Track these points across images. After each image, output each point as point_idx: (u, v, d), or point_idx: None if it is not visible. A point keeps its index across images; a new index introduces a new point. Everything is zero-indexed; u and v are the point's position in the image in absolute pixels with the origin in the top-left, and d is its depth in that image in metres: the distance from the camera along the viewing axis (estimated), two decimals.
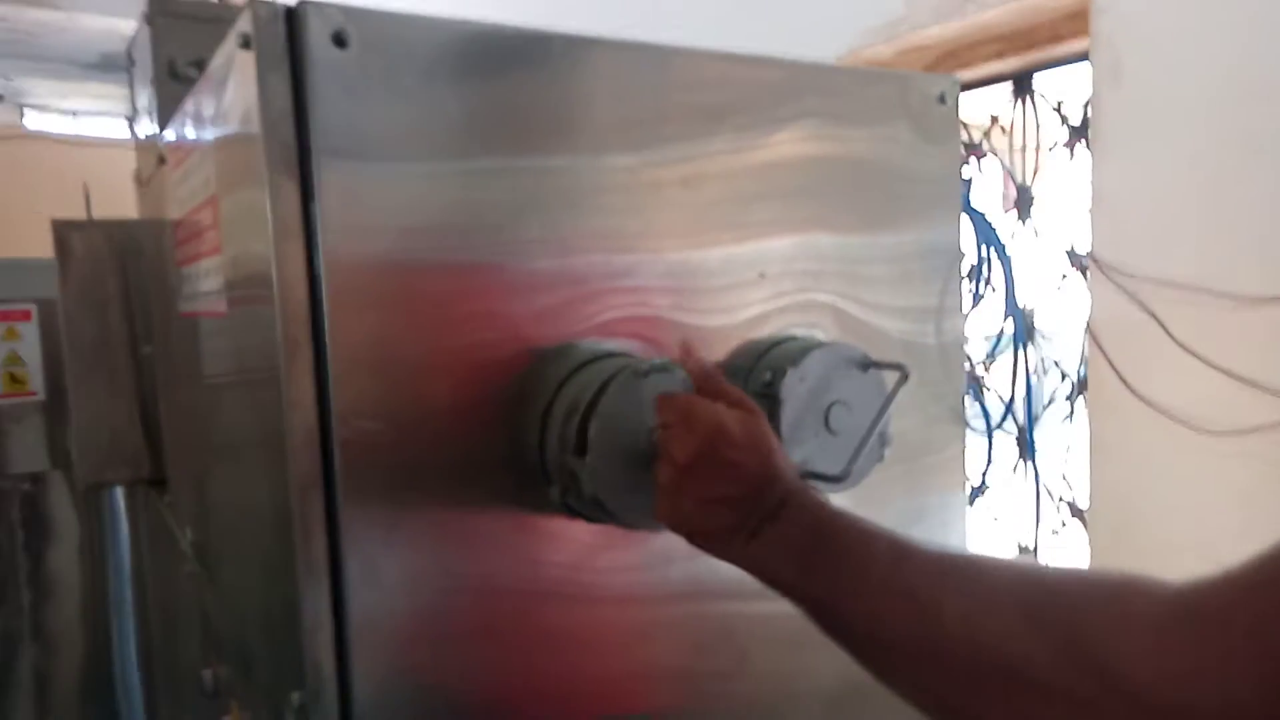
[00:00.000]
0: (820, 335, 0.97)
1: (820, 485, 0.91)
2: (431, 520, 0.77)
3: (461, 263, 0.77)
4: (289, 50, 0.70)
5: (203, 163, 0.91)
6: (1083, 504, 2.09)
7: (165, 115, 1.18)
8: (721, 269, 0.91)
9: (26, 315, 2.29)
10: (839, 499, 0.98)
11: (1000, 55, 2.13)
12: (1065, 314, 2.18)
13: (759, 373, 0.91)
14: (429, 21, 0.75)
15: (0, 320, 2.24)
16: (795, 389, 0.89)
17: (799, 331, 0.96)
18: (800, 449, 0.90)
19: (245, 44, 0.71)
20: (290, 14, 0.70)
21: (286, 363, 0.72)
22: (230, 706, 1.05)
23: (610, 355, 0.84)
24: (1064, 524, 2.16)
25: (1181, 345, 1.69)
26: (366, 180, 0.73)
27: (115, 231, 1.69)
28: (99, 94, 9.29)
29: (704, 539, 0.72)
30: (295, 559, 0.74)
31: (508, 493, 0.80)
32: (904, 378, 0.91)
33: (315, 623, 0.74)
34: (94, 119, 9.46)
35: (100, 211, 1.90)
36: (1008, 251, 1.30)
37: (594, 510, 0.79)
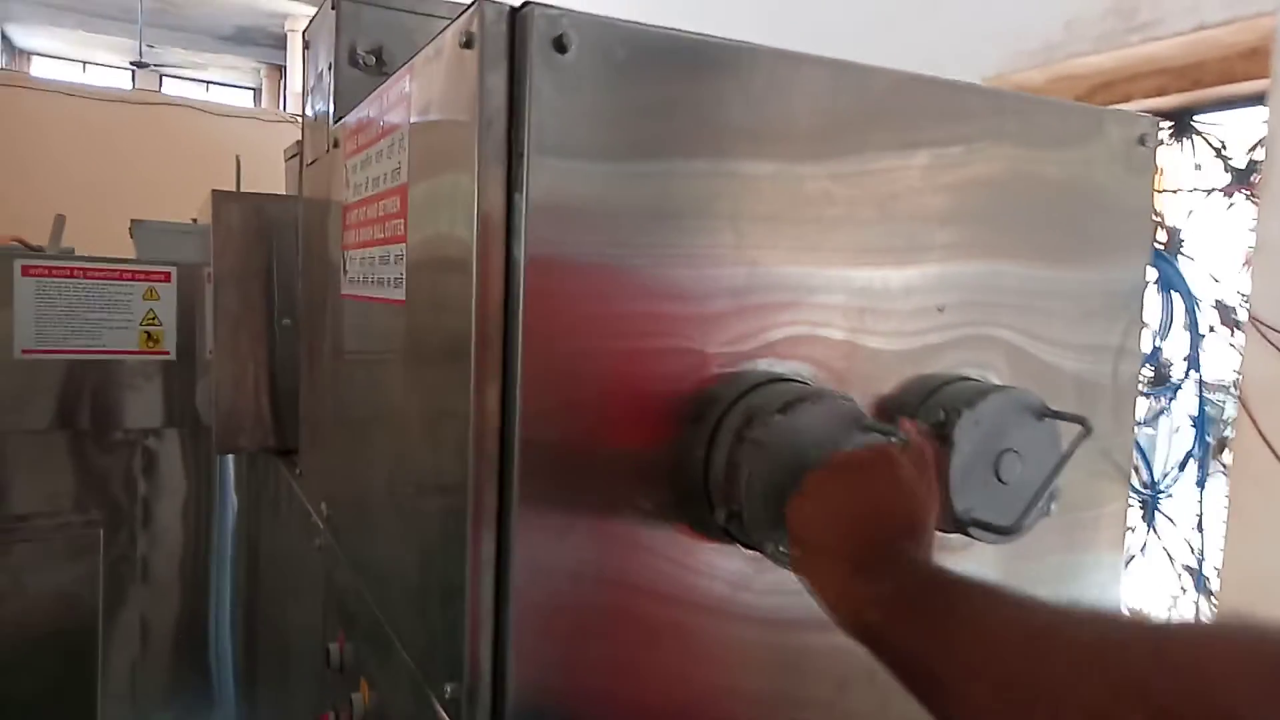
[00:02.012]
0: (993, 374, 0.94)
1: (986, 536, 0.87)
2: (598, 524, 0.77)
3: (652, 266, 0.76)
4: (509, 51, 0.71)
5: (392, 152, 0.93)
6: (1209, 573, 1.98)
7: (343, 100, 1.21)
8: (903, 294, 0.88)
9: (166, 277, 2.38)
10: (991, 551, 0.95)
11: (1161, 91, 2.03)
12: (1204, 369, 2.07)
13: (931, 410, 0.88)
14: (642, 29, 0.75)
15: (143, 280, 2.34)
16: (969, 432, 0.86)
17: (972, 370, 0.93)
18: (967, 496, 0.86)
19: (467, 43, 0.72)
20: (514, 16, 0.71)
21: (479, 345, 0.72)
22: (359, 683, 1.06)
23: (783, 380, 0.82)
24: (1183, 591, 2.05)
25: None
26: (571, 179, 0.73)
27: (267, 206, 1.76)
28: (231, 65, 9.75)
29: (805, 546, 0.70)
30: (464, 552, 0.74)
31: (673, 508, 0.79)
32: (1086, 431, 0.86)
33: (480, 618, 0.74)
34: (224, 89, 9.92)
35: (224, 179, 1.96)
36: (1197, 300, 1.22)
37: (753, 540, 0.78)
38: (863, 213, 0.85)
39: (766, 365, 0.82)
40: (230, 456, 2.46)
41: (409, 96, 0.88)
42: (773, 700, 0.87)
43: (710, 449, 0.79)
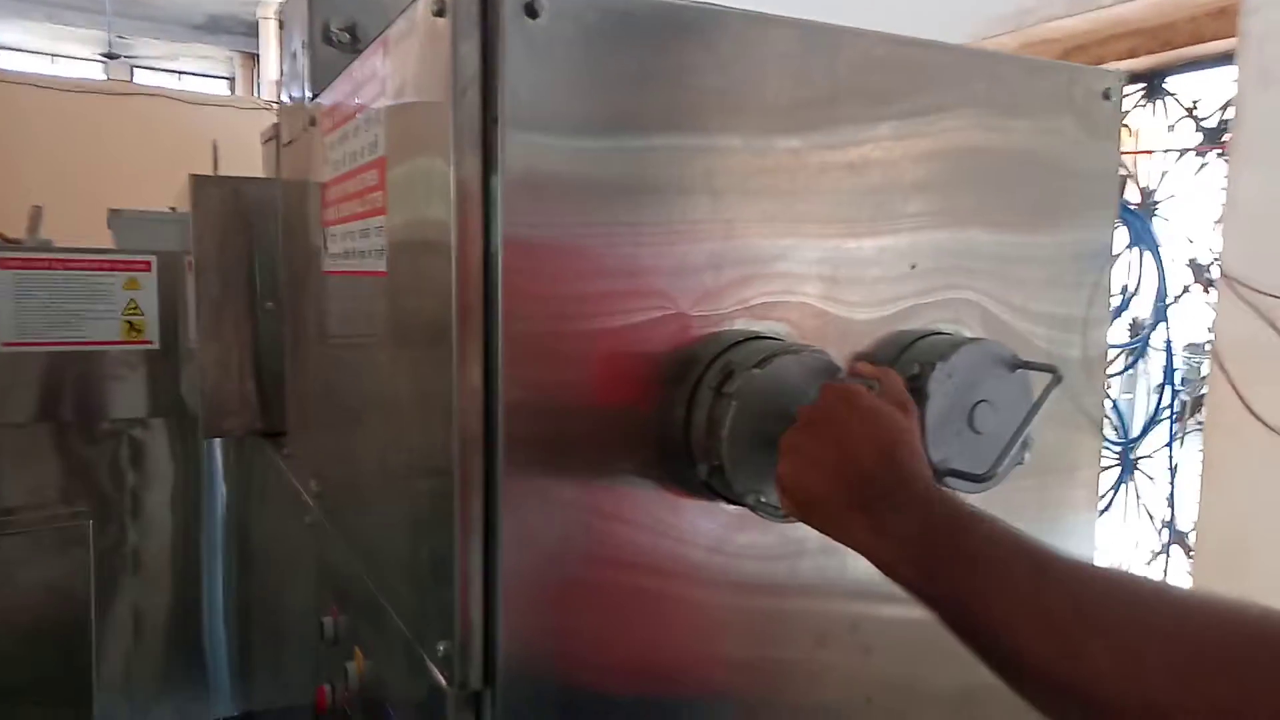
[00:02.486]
0: (966, 332, 0.96)
1: (961, 485, 0.90)
2: (582, 488, 0.78)
3: (630, 240, 0.78)
4: (482, 18, 0.72)
5: (369, 126, 0.93)
6: (1186, 528, 2.02)
7: (319, 78, 1.21)
8: (875, 259, 0.90)
9: (147, 266, 2.37)
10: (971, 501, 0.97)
11: (1133, 53, 2.05)
12: (1179, 327, 2.10)
13: (905, 365, 0.90)
14: None
15: (123, 270, 2.32)
16: (942, 384, 0.88)
17: (946, 327, 0.94)
18: (943, 447, 0.88)
19: (439, 11, 0.73)
20: None
21: (459, 326, 0.73)
22: (354, 653, 1.08)
23: (760, 338, 0.84)
24: (1164, 547, 2.09)
25: None
26: (547, 152, 0.73)
27: (245, 188, 1.75)
28: (203, 54, 9.62)
29: (810, 508, 0.72)
30: (453, 515, 0.76)
31: (655, 468, 0.81)
32: (1056, 380, 0.88)
33: (469, 577, 0.76)
34: (198, 79, 9.79)
35: (201, 168, 1.95)
36: (1163, 256, 1.24)
37: (734, 493, 0.79)
38: (835, 180, 0.86)
39: (744, 326, 0.84)
40: (218, 443, 2.46)
41: (383, 69, 0.88)
42: (754, 659, 0.89)
43: (691, 406, 0.81)
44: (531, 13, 0.71)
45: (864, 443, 0.70)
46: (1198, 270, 1.99)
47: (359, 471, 1.09)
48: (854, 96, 0.86)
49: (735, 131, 0.81)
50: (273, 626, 1.92)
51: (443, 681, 0.79)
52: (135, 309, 2.40)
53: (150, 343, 2.39)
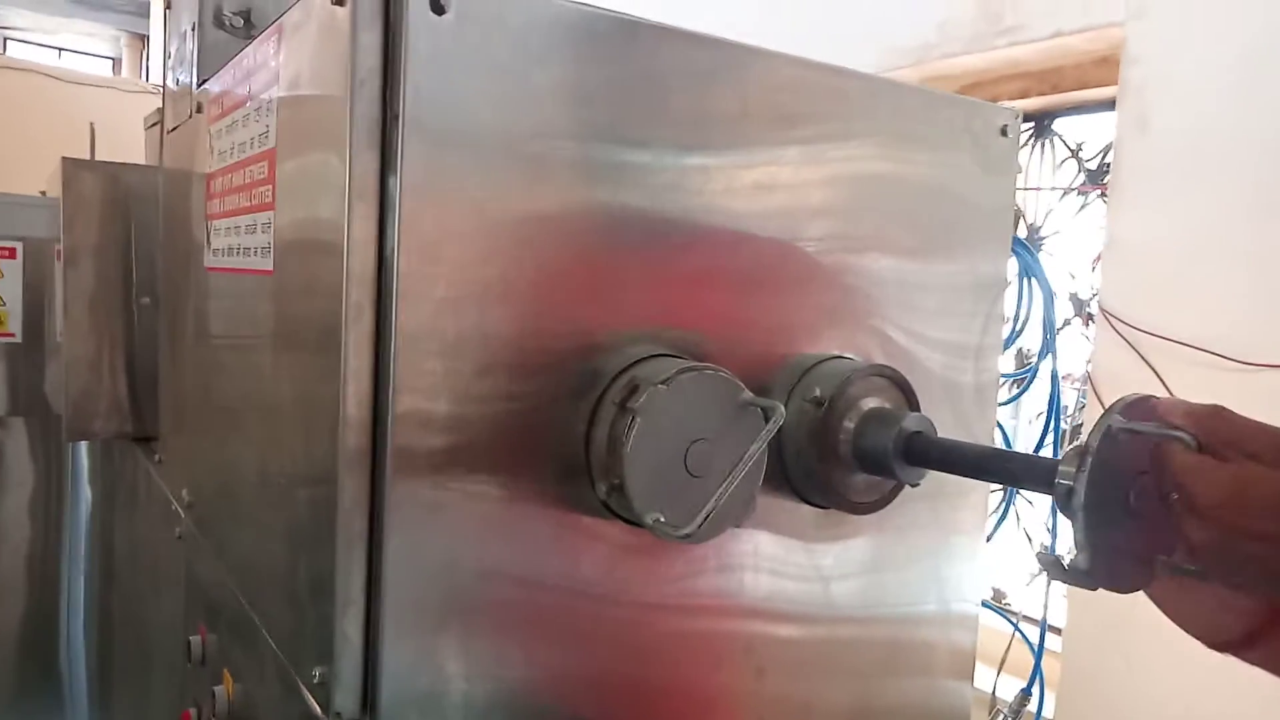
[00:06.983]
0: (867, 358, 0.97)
1: (861, 507, 0.91)
2: (474, 504, 0.75)
3: (533, 249, 0.75)
4: (384, 9, 0.68)
5: (260, 116, 0.88)
6: (1061, 551, 2.12)
7: (207, 63, 1.14)
8: (777, 279, 0.90)
9: (11, 253, 2.21)
10: (866, 529, 0.98)
11: (1024, 93, 2.16)
12: (1064, 358, 2.21)
13: (805, 388, 0.90)
14: None
15: None
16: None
17: (848, 352, 0.95)
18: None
19: (338, 0, 0.69)
20: None
21: (348, 332, 0.69)
22: (222, 675, 1.01)
23: (665, 355, 0.82)
24: (1040, 572, 2.19)
25: None
26: (447, 154, 0.70)
27: (124, 175, 1.64)
28: (87, 32, 9.06)
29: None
30: (335, 532, 0.71)
31: (552, 485, 0.79)
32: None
33: (348, 598, 0.72)
34: (80, 58, 9.22)
35: (77, 151, 1.84)
36: (1052, 289, 1.29)
37: (633, 513, 0.78)
38: (742, 199, 0.85)
39: (649, 342, 0.82)
40: (83, 446, 2.31)
41: (278, 57, 0.83)
42: (649, 681, 0.87)
43: (592, 422, 0.78)
44: (437, 9, 0.68)
45: None
46: (1078, 304, 2.10)
47: (235, 481, 1.03)
48: (762, 117, 0.86)
49: (644, 145, 0.79)
50: (137, 644, 1.80)
51: (317, 709, 0.74)
52: None
53: (12, 335, 2.24)
